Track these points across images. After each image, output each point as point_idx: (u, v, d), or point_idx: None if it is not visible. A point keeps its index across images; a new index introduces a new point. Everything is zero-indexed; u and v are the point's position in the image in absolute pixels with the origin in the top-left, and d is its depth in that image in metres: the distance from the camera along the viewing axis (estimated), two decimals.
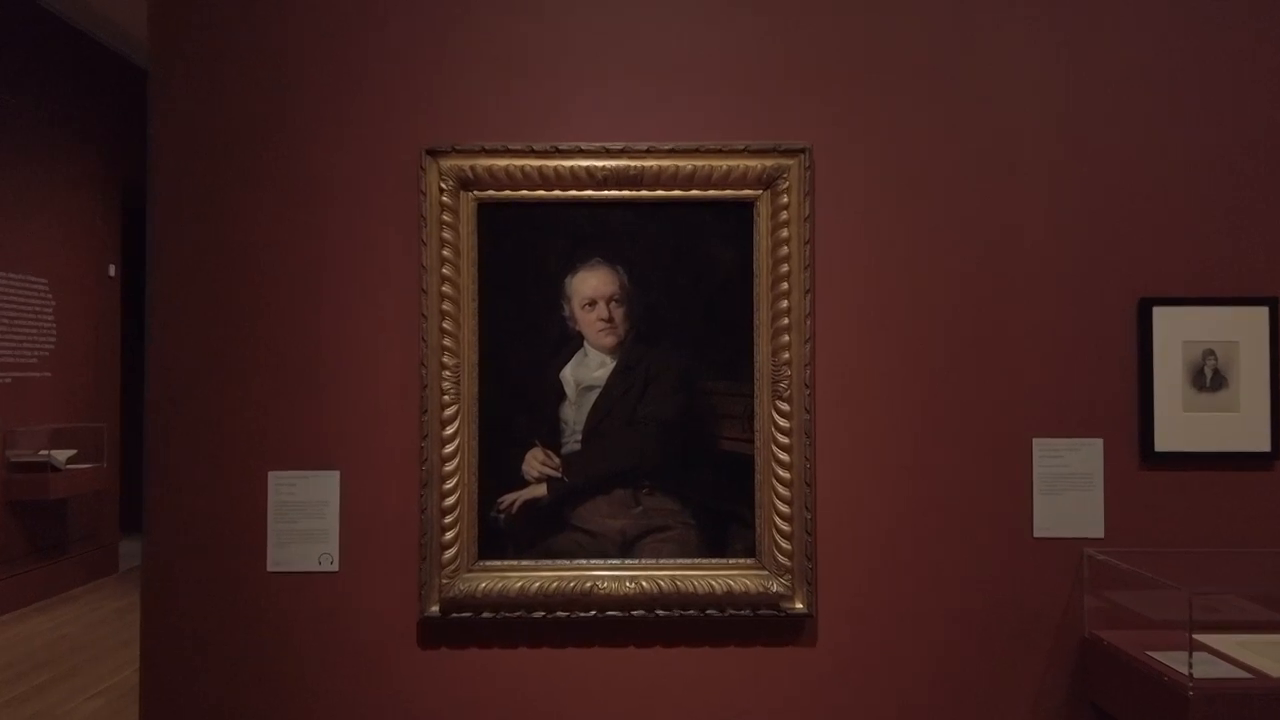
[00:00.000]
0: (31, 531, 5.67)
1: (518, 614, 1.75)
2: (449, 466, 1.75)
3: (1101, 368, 1.81)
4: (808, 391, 1.76)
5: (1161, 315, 1.79)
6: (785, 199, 1.77)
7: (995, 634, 1.79)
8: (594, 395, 1.78)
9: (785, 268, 1.77)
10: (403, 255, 1.78)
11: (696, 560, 1.77)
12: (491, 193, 1.77)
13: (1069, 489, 1.79)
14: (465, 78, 1.80)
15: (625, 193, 1.78)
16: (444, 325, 1.75)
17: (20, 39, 5.64)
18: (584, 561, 1.77)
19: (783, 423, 1.76)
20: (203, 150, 1.80)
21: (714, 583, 1.75)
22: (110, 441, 6.26)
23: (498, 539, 1.77)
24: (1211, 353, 1.80)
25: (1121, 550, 1.77)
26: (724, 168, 1.77)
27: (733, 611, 1.76)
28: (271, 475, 1.78)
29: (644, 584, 1.75)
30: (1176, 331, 1.79)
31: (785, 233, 1.77)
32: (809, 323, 1.77)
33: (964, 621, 1.79)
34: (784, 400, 1.77)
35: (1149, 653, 1.62)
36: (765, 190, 1.78)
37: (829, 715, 1.79)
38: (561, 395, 1.78)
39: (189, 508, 1.78)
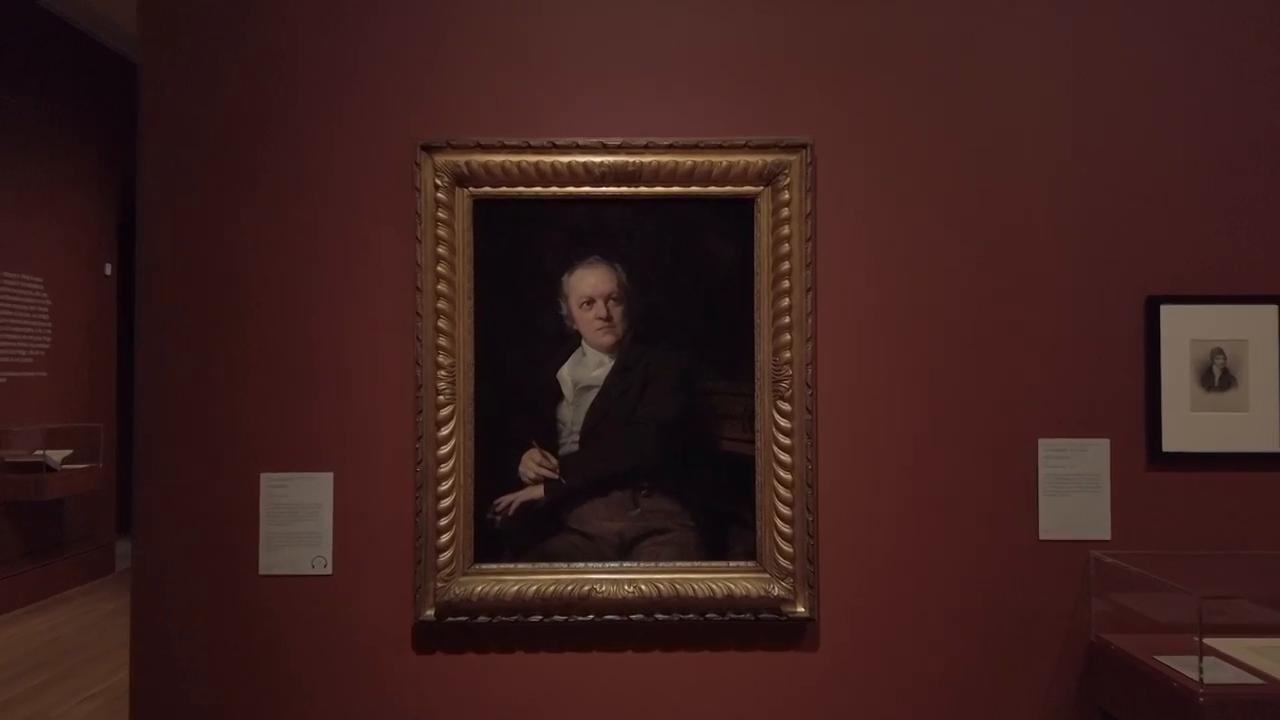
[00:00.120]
0: (27, 532, 5.64)
1: (514, 618, 1.72)
2: (444, 468, 1.72)
3: (1108, 367, 1.78)
4: (809, 391, 1.73)
5: (1169, 314, 1.76)
6: (786, 195, 1.74)
7: (1000, 638, 1.77)
8: (592, 395, 1.75)
9: (786, 265, 1.74)
10: (397, 253, 1.75)
11: (696, 563, 1.75)
12: (487, 189, 1.75)
13: (1075, 490, 1.76)
14: (461, 72, 1.78)
15: (624, 189, 1.75)
16: (439, 324, 1.73)
17: (18, 38, 5.63)
18: (582, 565, 1.74)
19: (784, 423, 1.74)
20: (194, 147, 1.77)
21: (714, 586, 1.73)
22: (106, 441, 6.24)
23: (494, 542, 1.75)
24: (1220, 352, 1.77)
25: (1129, 552, 1.74)
26: (724, 163, 1.74)
27: (733, 615, 1.73)
28: (264, 477, 1.75)
29: (643, 587, 1.72)
30: (1184, 330, 1.76)
31: (786, 230, 1.74)
32: (810, 321, 1.74)
33: (968, 625, 1.77)
34: (785, 400, 1.74)
35: (1157, 657, 1.59)
36: (766, 186, 1.75)
37: None
38: (559, 395, 1.76)
39: (180, 510, 1.75)
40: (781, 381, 1.74)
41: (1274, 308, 1.76)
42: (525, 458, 1.75)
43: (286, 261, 1.76)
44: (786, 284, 1.74)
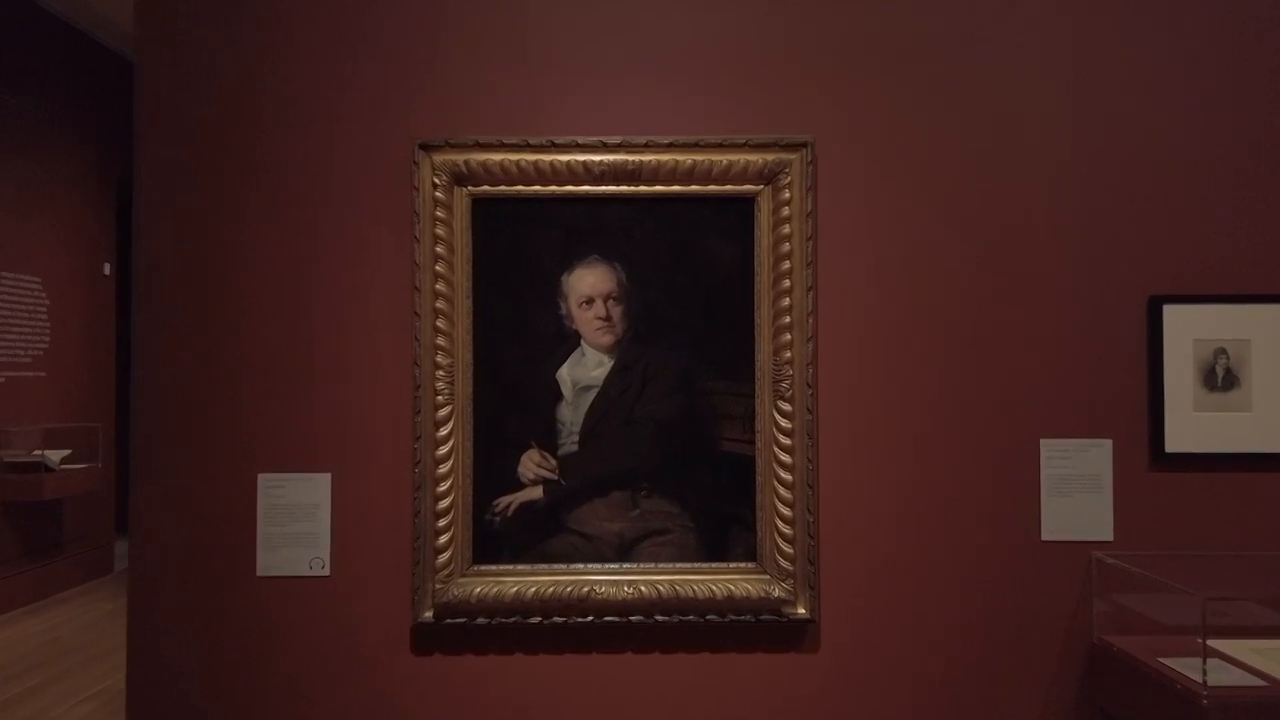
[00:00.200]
0: (25, 532, 5.63)
1: (513, 619, 1.71)
2: (443, 468, 1.71)
3: (1111, 367, 1.77)
4: (810, 391, 1.72)
5: (1172, 313, 1.75)
6: (787, 194, 1.73)
7: (1002, 639, 1.76)
8: (591, 395, 1.74)
9: (787, 265, 1.73)
10: (395, 252, 1.74)
11: (696, 564, 1.74)
12: (486, 188, 1.74)
13: (1077, 491, 1.75)
14: (459, 69, 1.77)
15: (623, 188, 1.74)
16: (438, 324, 1.71)
17: (18, 38, 5.61)
18: (581, 566, 1.73)
19: (784, 423, 1.73)
20: (191, 146, 1.76)
21: (714, 587, 1.72)
22: (105, 441, 6.22)
23: (493, 543, 1.74)
24: (1223, 351, 1.76)
25: (1131, 554, 1.73)
26: (724, 162, 1.73)
27: (733, 617, 1.72)
28: (261, 478, 1.74)
29: (642, 589, 1.71)
30: (1187, 330, 1.75)
31: (787, 229, 1.73)
32: (811, 321, 1.73)
33: (970, 627, 1.76)
34: (786, 400, 1.73)
35: (1160, 659, 1.58)
36: (767, 185, 1.74)
37: None
38: (558, 395, 1.75)
39: (176, 511, 1.74)
40: (782, 381, 1.73)
41: (1278, 307, 1.75)
42: (524, 458, 1.74)
43: (284, 261, 1.75)
44: (787, 283, 1.73)
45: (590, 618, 1.71)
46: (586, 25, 1.78)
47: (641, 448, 1.75)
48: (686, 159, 1.72)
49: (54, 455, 5.62)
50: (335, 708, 1.73)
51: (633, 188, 1.74)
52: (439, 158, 1.72)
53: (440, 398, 1.71)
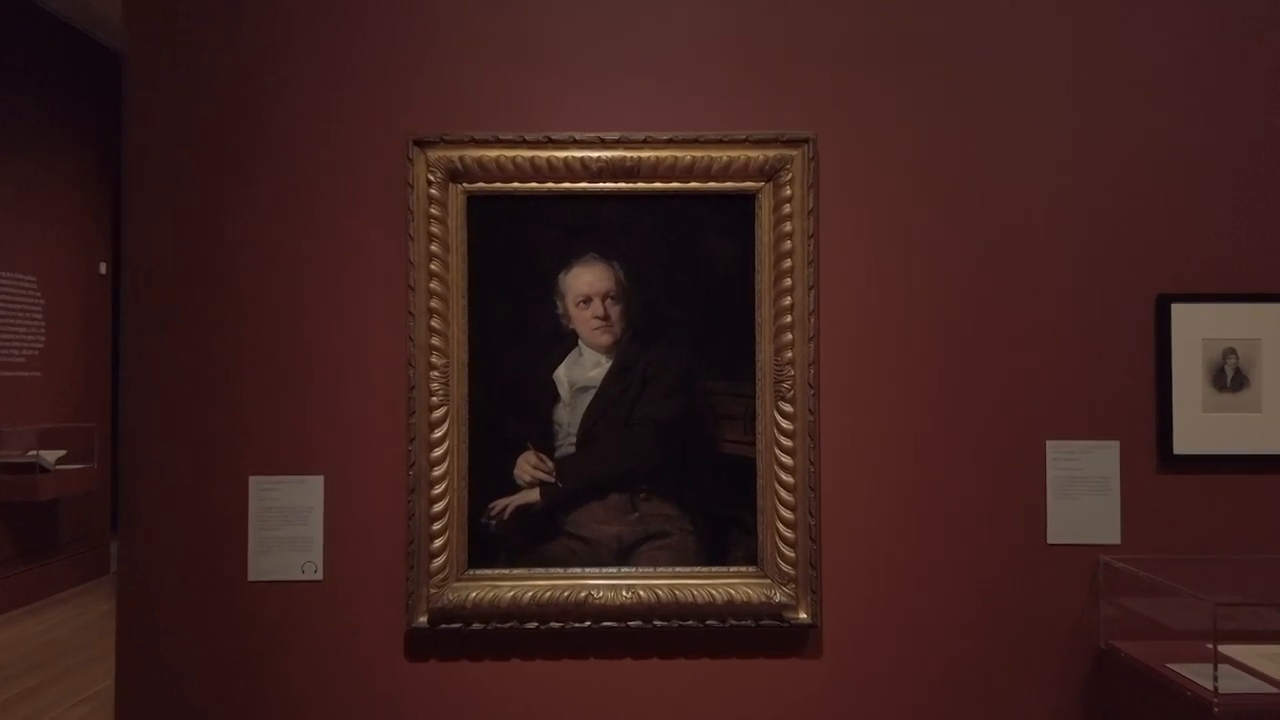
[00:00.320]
0: (20, 533, 5.60)
1: (509, 625, 1.69)
2: (438, 471, 1.68)
3: (1118, 367, 1.74)
4: (812, 392, 1.69)
5: (1180, 312, 1.73)
6: (788, 191, 1.70)
7: (1007, 644, 1.73)
8: (589, 396, 1.71)
9: (788, 263, 1.70)
10: (389, 250, 1.71)
11: (696, 568, 1.71)
12: (482, 185, 1.71)
13: (1084, 493, 1.73)
14: (455, 64, 1.74)
15: (621, 185, 1.71)
16: (432, 324, 1.68)
17: (16, 37, 5.60)
18: (579, 570, 1.70)
19: (786, 424, 1.70)
20: (180, 143, 1.73)
21: (714, 592, 1.69)
22: (101, 442, 6.19)
23: (489, 546, 1.71)
24: (1232, 351, 1.73)
25: (1139, 557, 1.71)
26: (724, 159, 1.70)
27: (734, 622, 1.69)
28: (253, 480, 1.71)
29: (641, 593, 1.68)
30: (1196, 329, 1.73)
31: (788, 226, 1.70)
32: (813, 320, 1.70)
33: (974, 632, 1.73)
34: (787, 401, 1.70)
35: (1169, 665, 1.55)
36: (767, 182, 1.71)
37: None
38: (555, 396, 1.72)
39: (167, 514, 1.71)
40: (783, 382, 1.70)
41: None
42: (521, 460, 1.71)
43: (276, 259, 1.72)
44: (788, 282, 1.70)
45: (588, 623, 1.69)
46: (585, 19, 1.75)
47: (640, 449, 1.72)
48: (686, 155, 1.69)
49: (49, 456, 5.59)
50: (328, 714, 1.70)
51: (631, 185, 1.71)
52: (434, 154, 1.69)
53: (435, 399, 1.68)
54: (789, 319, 1.70)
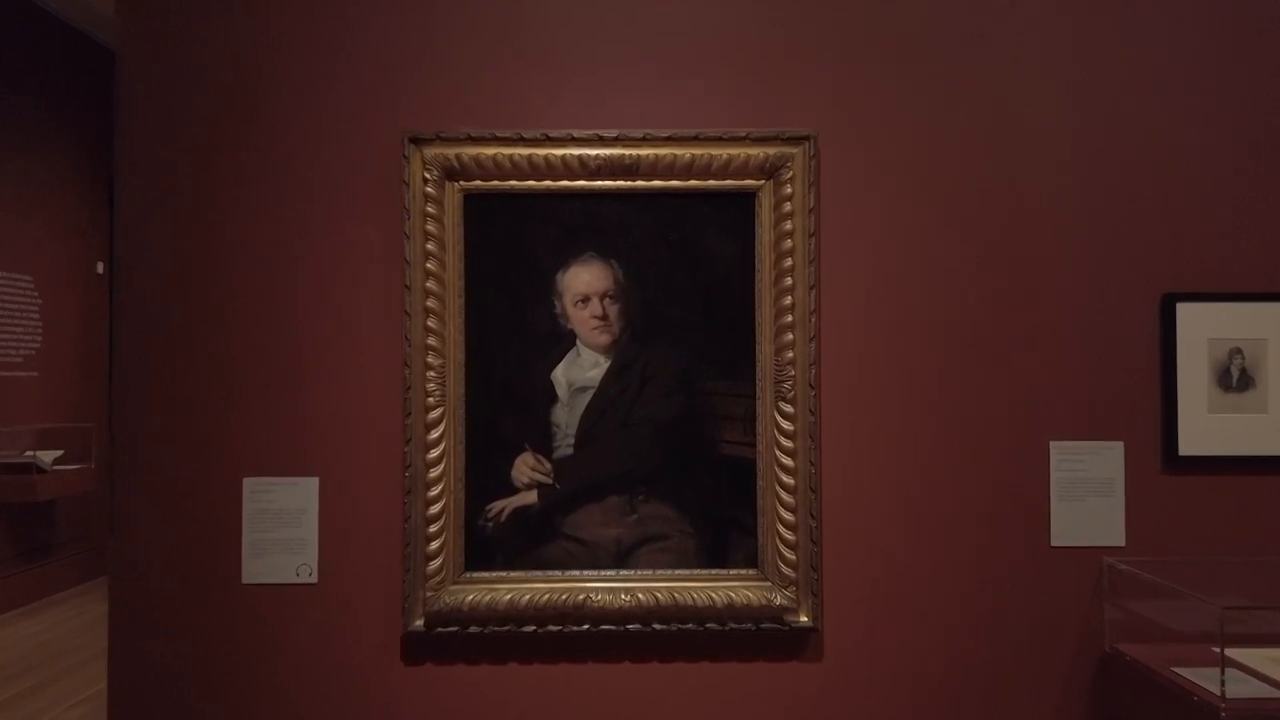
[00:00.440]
0: (17, 534, 5.58)
1: (507, 628, 1.67)
2: (434, 472, 1.66)
3: (1122, 367, 1.72)
4: (812, 392, 1.68)
5: (1185, 311, 1.71)
6: (789, 189, 1.68)
7: (1011, 648, 1.71)
8: (587, 397, 1.69)
9: (789, 262, 1.68)
10: (385, 249, 1.69)
11: (695, 571, 1.69)
12: (479, 183, 1.69)
13: (1088, 495, 1.71)
14: (451, 61, 1.72)
15: (620, 183, 1.69)
16: (429, 323, 1.66)
17: (15, 37, 5.59)
18: (577, 572, 1.68)
19: (786, 425, 1.68)
20: (172, 140, 1.71)
21: (714, 594, 1.67)
22: (98, 442, 6.16)
23: (486, 549, 1.69)
24: (1238, 351, 1.71)
25: (1144, 559, 1.69)
26: (724, 156, 1.68)
27: (734, 625, 1.67)
28: (247, 482, 1.69)
29: (640, 596, 1.66)
30: (1201, 329, 1.71)
31: (789, 225, 1.68)
32: (814, 320, 1.68)
33: (977, 635, 1.71)
34: (788, 401, 1.68)
35: (1175, 669, 1.53)
36: (768, 180, 1.69)
37: None
38: (553, 397, 1.70)
39: (159, 516, 1.69)
40: (784, 382, 1.68)
41: None
42: (518, 462, 1.69)
43: (269, 258, 1.70)
44: (789, 281, 1.68)
45: (586, 626, 1.67)
46: (583, 15, 1.73)
47: (639, 450, 1.70)
48: (685, 153, 1.67)
49: (46, 456, 5.58)
50: (323, 719, 1.68)
51: (630, 183, 1.69)
52: (430, 152, 1.67)
53: (431, 399, 1.66)
54: (790, 318, 1.68)
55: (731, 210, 1.70)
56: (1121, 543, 1.71)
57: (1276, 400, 1.70)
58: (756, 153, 1.68)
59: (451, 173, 1.68)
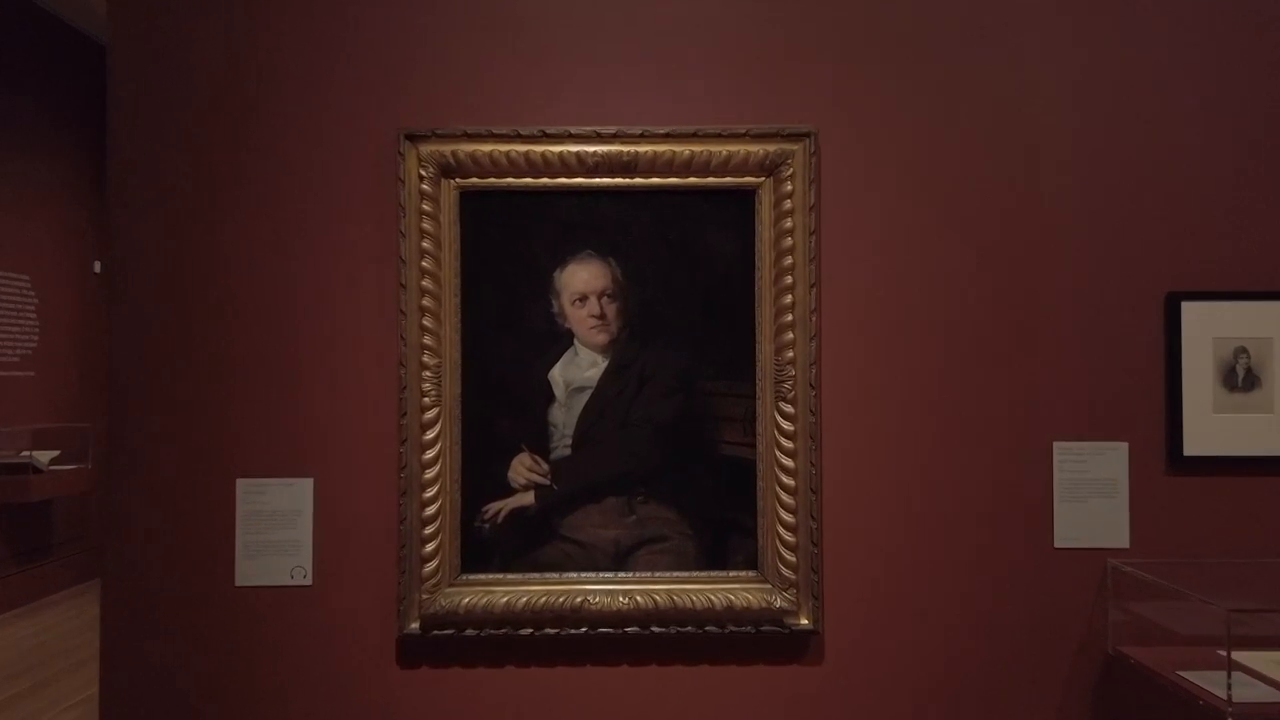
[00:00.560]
0: (13, 534, 5.57)
1: (504, 631, 1.65)
2: (430, 473, 1.64)
3: (1126, 366, 1.70)
4: (813, 392, 1.66)
5: (1190, 310, 1.69)
6: (789, 187, 1.67)
7: (1013, 651, 1.69)
8: (585, 397, 1.68)
9: (789, 260, 1.66)
10: (380, 247, 1.67)
11: (694, 573, 1.67)
12: (475, 180, 1.67)
13: (1092, 496, 1.69)
14: (447, 56, 1.70)
15: (618, 180, 1.67)
16: (424, 322, 1.65)
17: (14, 36, 5.58)
18: (574, 575, 1.66)
19: (786, 426, 1.66)
20: (165, 138, 1.69)
21: (713, 597, 1.65)
22: (95, 442, 6.14)
23: (482, 551, 1.67)
24: (1244, 350, 1.69)
25: (1148, 561, 1.67)
26: (724, 153, 1.66)
27: (733, 628, 1.65)
28: (240, 483, 1.67)
29: (639, 598, 1.64)
30: (1206, 328, 1.69)
31: (789, 223, 1.66)
32: (814, 319, 1.66)
33: (980, 637, 1.69)
34: (788, 402, 1.66)
35: (1180, 672, 1.51)
36: (768, 177, 1.67)
37: None
38: (550, 397, 1.68)
39: (153, 517, 1.67)
40: (784, 382, 1.66)
41: None
42: (515, 462, 1.67)
43: (264, 256, 1.69)
44: (789, 280, 1.66)
45: (584, 629, 1.65)
46: (581, 10, 1.71)
47: (638, 451, 1.68)
48: (684, 150, 1.66)
49: (42, 456, 5.56)
50: None
51: (628, 180, 1.67)
52: (425, 148, 1.65)
53: (427, 399, 1.64)
54: (790, 318, 1.66)
55: (731, 208, 1.69)
56: (1125, 544, 1.69)
57: None
58: (756, 150, 1.66)
59: (447, 170, 1.66)
